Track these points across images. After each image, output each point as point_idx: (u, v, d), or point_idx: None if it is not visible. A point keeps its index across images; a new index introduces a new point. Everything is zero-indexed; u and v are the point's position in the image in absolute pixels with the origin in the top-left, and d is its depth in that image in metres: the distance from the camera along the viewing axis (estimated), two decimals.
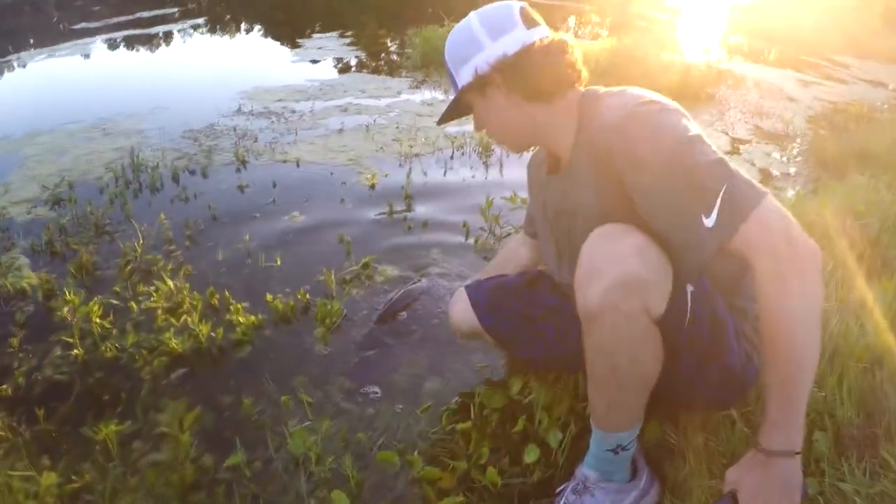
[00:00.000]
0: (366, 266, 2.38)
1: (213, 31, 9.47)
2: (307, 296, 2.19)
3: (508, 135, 1.34)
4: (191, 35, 8.97)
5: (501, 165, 3.51)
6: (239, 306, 2.09)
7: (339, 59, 6.70)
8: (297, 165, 3.55)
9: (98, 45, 8.37)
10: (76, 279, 2.38)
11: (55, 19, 10.77)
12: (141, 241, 2.57)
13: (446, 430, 1.59)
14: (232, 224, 2.82)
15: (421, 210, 2.91)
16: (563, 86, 1.24)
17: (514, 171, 3.40)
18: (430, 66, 5.89)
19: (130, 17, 10.24)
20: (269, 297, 2.15)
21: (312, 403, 1.71)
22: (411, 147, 3.60)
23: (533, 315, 1.54)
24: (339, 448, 1.55)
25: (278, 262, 2.44)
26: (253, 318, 2.06)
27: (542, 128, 1.28)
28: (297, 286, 2.24)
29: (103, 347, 1.94)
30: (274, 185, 3.24)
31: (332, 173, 3.41)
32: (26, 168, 3.81)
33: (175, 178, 3.38)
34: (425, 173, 3.38)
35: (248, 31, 9.41)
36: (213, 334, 1.99)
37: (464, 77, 1.26)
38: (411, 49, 6.31)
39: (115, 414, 1.70)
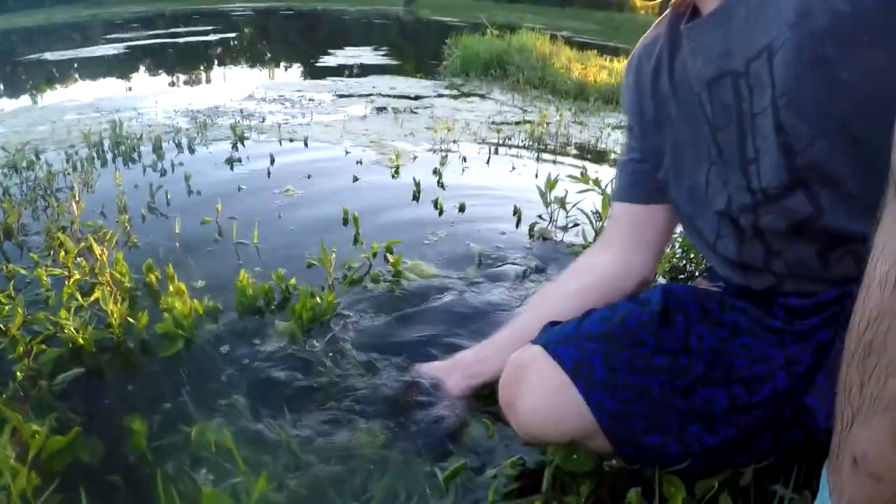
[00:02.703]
0: (387, 251, 1.66)
1: (242, 44, 9.08)
2: (293, 281, 1.48)
3: None
4: (219, 46, 8.56)
5: (559, 157, 2.78)
6: (181, 286, 1.38)
7: (369, 64, 6.14)
8: (305, 144, 2.88)
9: (122, 48, 7.99)
10: None
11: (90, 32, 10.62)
12: (80, 203, 1.90)
13: None
14: (207, 196, 2.14)
15: (457, 194, 2.17)
16: None
17: (579, 160, 2.68)
18: (471, 71, 5.24)
19: (164, 31, 9.93)
20: (243, 276, 1.42)
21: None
22: (449, 134, 2.91)
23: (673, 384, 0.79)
24: None
25: (255, 240, 1.74)
26: (197, 303, 1.35)
27: None
28: (276, 270, 1.52)
29: None
30: (272, 161, 2.56)
31: (347, 152, 2.73)
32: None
33: (156, 150, 2.75)
34: (464, 160, 2.66)
35: (278, 43, 8.99)
36: (130, 320, 1.28)
37: None
38: (450, 56, 5.69)
39: None
